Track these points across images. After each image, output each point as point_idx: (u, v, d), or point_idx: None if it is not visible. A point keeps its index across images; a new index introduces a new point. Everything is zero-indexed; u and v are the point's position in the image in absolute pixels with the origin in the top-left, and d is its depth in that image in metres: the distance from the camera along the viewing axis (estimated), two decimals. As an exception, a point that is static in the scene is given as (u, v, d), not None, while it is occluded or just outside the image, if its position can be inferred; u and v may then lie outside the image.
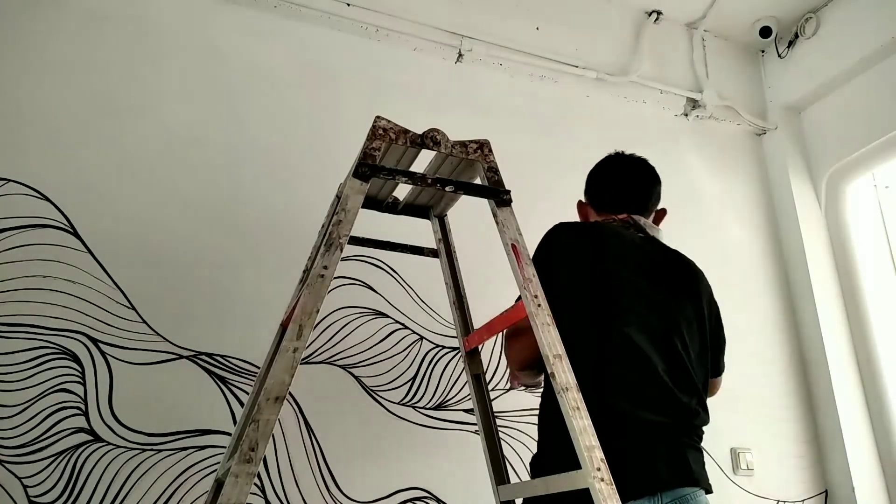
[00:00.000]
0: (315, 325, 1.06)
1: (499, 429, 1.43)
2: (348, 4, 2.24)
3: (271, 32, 2.17)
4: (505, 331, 1.38)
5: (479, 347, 1.53)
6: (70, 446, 1.58)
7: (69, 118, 1.83)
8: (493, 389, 2.00)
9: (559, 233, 1.40)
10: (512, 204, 1.29)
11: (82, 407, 1.61)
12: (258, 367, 1.73)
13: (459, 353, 1.98)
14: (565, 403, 1.07)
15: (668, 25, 2.87)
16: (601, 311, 1.29)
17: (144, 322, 1.72)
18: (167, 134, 1.92)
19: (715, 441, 2.25)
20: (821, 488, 2.40)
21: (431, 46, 2.36)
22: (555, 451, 1.21)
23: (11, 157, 1.74)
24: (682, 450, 1.25)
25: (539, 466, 1.29)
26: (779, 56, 2.94)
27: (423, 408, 1.93)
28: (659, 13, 2.81)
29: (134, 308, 1.73)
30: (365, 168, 1.18)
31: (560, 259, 1.35)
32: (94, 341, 1.67)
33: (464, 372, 1.96)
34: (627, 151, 1.61)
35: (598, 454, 1.04)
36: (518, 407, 2.03)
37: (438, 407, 1.95)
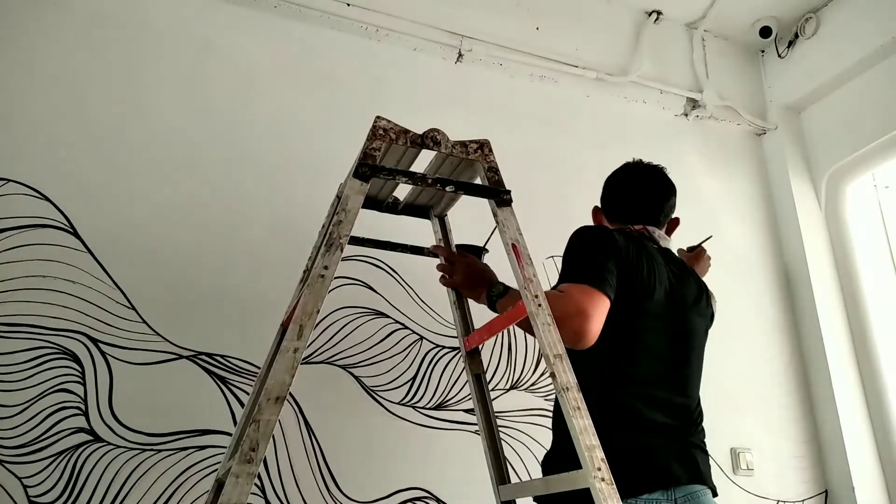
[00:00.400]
0: (315, 325, 1.06)
1: (499, 429, 1.43)
2: (348, 4, 2.24)
3: (271, 32, 2.17)
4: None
5: (480, 347, 1.53)
6: (70, 446, 1.58)
7: (69, 118, 1.83)
8: (493, 389, 2.00)
9: (611, 233, 1.36)
10: (512, 204, 1.29)
11: (82, 407, 1.61)
12: (258, 367, 1.73)
13: (459, 353, 1.98)
14: (566, 403, 1.08)
15: (668, 25, 2.87)
16: (630, 314, 1.30)
17: (144, 322, 1.72)
18: (167, 134, 1.92)
19: (715, 441, 2.23)
20: (821, 488, 2.40)
21: (431, 46, 2.36)
22: (566, 450, 1.22)
23: (11, 157, 1.74)
24: (690, 450, 1.30)
25: (550, 465, 1.32)
26: (779, 56, 2.94)
27: (423, 408, 1.93)
28: (659, 13, 2.81)
29: (134, 308, 1.73)
30: (365, 168, 1.18)
31: (615, 253, 1.31)
32: (94, 341, 1.67)
33: (464, 372, 1.96)
34: (643, 158, 1.62)
35: (599, 454, 1.04)
36: (518, 407, 2.03)
37: (438, 407, 1.94)
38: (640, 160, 1.62)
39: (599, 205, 1.63)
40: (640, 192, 1.55)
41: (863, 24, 2.60)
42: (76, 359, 1.64)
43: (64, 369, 1.63)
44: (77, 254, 1.72)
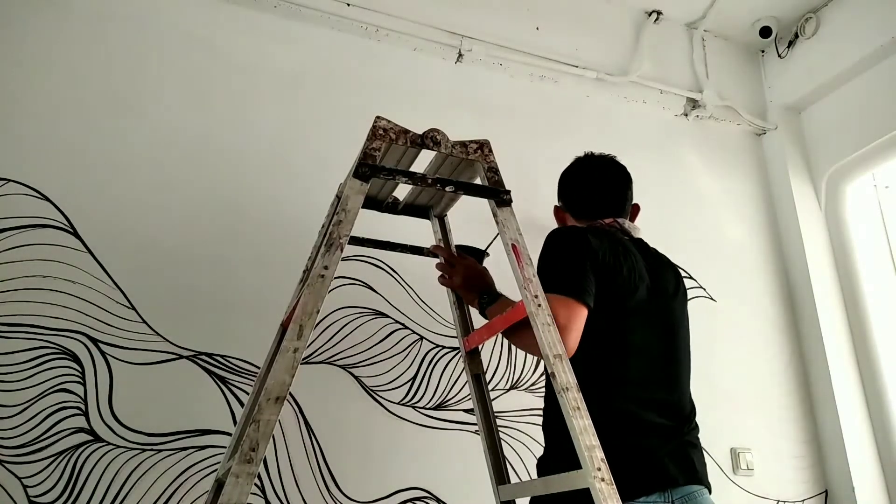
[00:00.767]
0: (315, 325, 1.06)
1: (499, 429, 1.43)
2: (348, 4, 2.24)
3: (271, 32, 2.17)
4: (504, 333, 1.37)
5: (479, 347, 1.53)
6: (70, 446, 1.58)
7: (69, 118, 1.83)
8: (493, 389, 2.00)
9: (585, 235, 1.36)
10: (512, 204, 1.29)
11: (82, 407, 1.61)
12: (258, 367, 1.73)
13: (459, 353, 1.98)
14: (566, 403, 1.08)
15: (668, 25, 2.87)
16: (614, 315, 1.30)
17: (144, 322, 1.72)
18: (167, 134, 1.92)
19: (715, 441, 2.25)
20: (821, 488, 2.40)
21: (431, 46, 2.36)
22: (562, 452, 1.22)
23: (11, 157, 1.74)
24: (685, 449, 1.29)
25: (546, 468, 1.30)
26: (779, 56, 2.94)
27: (423, 408, 1.93)
28: (659, 13, 2.81)
29: (134, 308, 1.73)
30: (365, 168, 1.19)
31: (591, 257, 1.31)
32: (94, 341, 1.67)
33: (464, 372, 1.96)
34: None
35: (599, 454, 1.04)
36: (518, 407, 2.03)
37: (438, 407, 1.95)
38: (592, 152, 1.61)
39: (559, 203, 1.61)
40: (602, 185, 1.55)
41: (863, 24, 2.59)
42: (76, 359, 1.64)
43: (64, 369, 1.63)
44: (77, 254, 1.72)
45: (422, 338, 2.00)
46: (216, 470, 1.63)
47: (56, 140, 1.80)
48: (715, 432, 2.26)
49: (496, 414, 1.47)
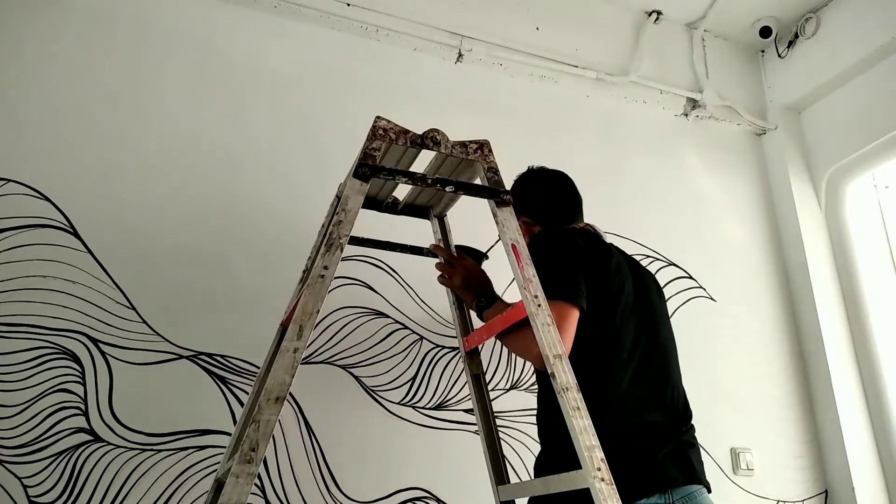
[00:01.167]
0: (315, 325, 1.06)
1: (499, 429, 1.43)
2: (348, 4, 2.24)
3: (271, 32, 2.17)
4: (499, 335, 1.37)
5: (479, 347, 1.53)
6: (70, 446, 1.58)
7: (69, 118, 1.83)
8: (493, 389, 2.00)
9: (573, 237, 1.37)
10: (512, 204, 1.29)
11: (82, 407, 1.61)
12: (258, 367, 1.73)
13: (459, 354, 1.97)
14: (566, 403, 1.08)
15: (668, 25, 2.87)
16: (605, 314, 1.31)
17: (144, 322, 1.72)
18: (167, 134, 1.92)
19: (715, 441, 2.25)
20: (821, 488, 2.40)
21: (431, 46, 2.36)
22: (562, 452, 1.22)
23: (11, 157, 1.74)
24: (684, 450, 1.30)
25: (544, 468, 1.30)
26: (779, 56, 2.94)
27: (423, 408, 1.93)
28: (659, 13, 2.81)
29: (134, 308, 1.73)
30: (365, 168, 1.19)
31: (581, 258, 1.32)
32: (94, 341, 1.67)
33: (464, 372, 1.95)
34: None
35: (599, 454, 1.04)
36: (518, 407, 2.03)
37: (438, 407, 1.95)
38: (542, 166, 1.64)
39: (526, 219, 1.55)
40: (566, 194, 1.60)
41: (863, 24, 2.59)
42: (76, 359, 1.64)
43: (64, 369, 1.63)
44: (77, 254, 1.72)
45: (422, 338, 2.00)
46: (216, 470, 1.63)
47: (56, 140, 1.80)
48: (715, 432, 2.26)
49: (496, 414, 1.47)
